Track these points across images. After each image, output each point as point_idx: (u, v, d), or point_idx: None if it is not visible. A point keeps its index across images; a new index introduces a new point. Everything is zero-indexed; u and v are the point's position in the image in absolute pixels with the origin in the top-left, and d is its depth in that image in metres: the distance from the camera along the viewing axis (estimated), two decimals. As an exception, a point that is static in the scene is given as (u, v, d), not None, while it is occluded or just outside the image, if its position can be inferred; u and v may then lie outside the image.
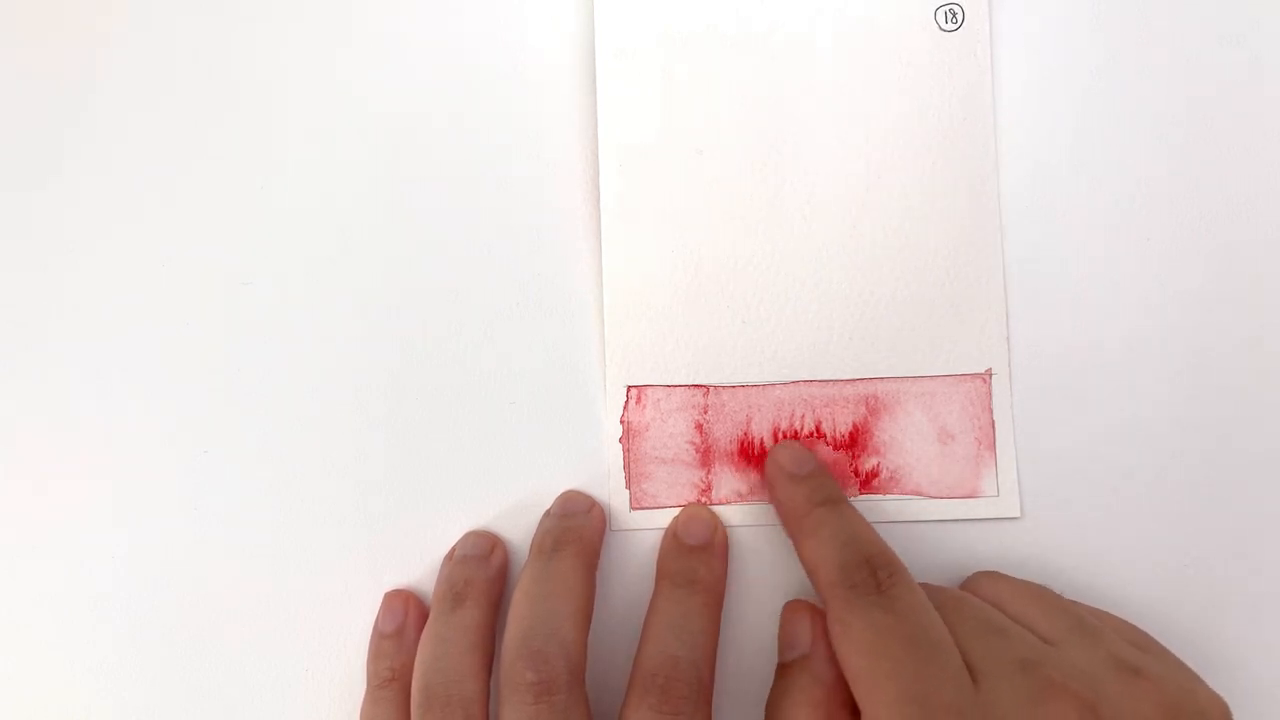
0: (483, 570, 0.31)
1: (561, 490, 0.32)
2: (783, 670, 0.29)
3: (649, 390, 0.32)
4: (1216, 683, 0.27)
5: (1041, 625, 0.27)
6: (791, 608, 0.30)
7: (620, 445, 0.32)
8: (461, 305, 0.33)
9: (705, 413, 0.32)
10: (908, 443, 0.32)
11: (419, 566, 0.32)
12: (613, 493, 0.32)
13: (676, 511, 0.32)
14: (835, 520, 0.29)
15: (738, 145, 0.33)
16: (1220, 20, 0.33)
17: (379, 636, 0.31)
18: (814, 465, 0.31)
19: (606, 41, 0.33)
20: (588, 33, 0.33)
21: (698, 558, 0.30)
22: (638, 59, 0.33)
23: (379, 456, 0.32)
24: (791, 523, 0.30)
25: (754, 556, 0.32)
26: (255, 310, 0.33)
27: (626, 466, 0.32)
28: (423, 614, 0.31)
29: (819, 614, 0.29)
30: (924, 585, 0.29)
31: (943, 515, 0.32)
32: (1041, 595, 0.29)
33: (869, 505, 0.32)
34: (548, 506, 0.32)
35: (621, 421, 0.32)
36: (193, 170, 0.34)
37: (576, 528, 0.30)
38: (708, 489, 0.32)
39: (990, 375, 0.32)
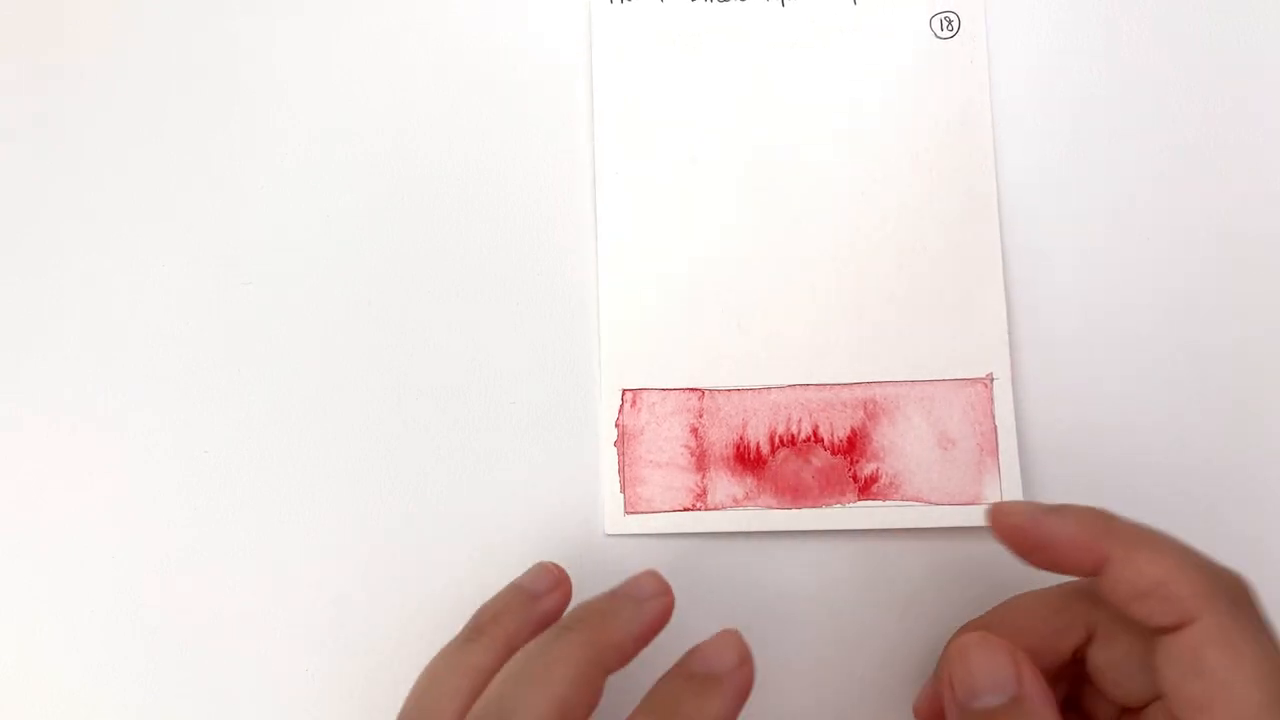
0: (523, 608, 0.27)
1: (559, 489, 0.32)
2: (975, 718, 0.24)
3: (644, 394, 0.32)
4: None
5: None
6: (978, 643, 0.25)
7: (615, 449, 0.32)
8: (459, 307, 0.33)
9: (700, 416, 0.32)
10: (907, 448, 0.32)
11: (419, 566, 0.32)
12: (607, 497, 0.32)
13: (672, 516, 0.32)
14: (1149, 528, 0.25)
15: (734, 150, 0.33)
16: (1220, 20, 0.33)
17: (514, 588, 0.28)
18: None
19: (604, 46, 0.34)
20: (585, 37, 0.34)
21: (699, 690, 0.24)
22: (635, 64, 0.34)
23: (378, 456, 0.33)
24: (1101, 540, 0.25)
25: (746, 563, 0.32)
26: (255, 310, 0.33)
27: (621, 470, 0.32)
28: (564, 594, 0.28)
29: (1020, 650, 0.24)
30: None
31: (944, 522, 0.31)
32: None
33: (867, 512, 0.32)
34: (543, 512, 0.32)
35: (616, 425, 0.32)
36: (193, 170, 0.34)
37: (610, 613, 0.26)
38: (702, 493, 0.32)
39: (992, 380, 0.32)
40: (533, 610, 0.27)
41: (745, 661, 0.25)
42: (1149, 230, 0.33)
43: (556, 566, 0.29)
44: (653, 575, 0.27)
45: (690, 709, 0.24)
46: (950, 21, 0.33)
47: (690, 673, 0.25)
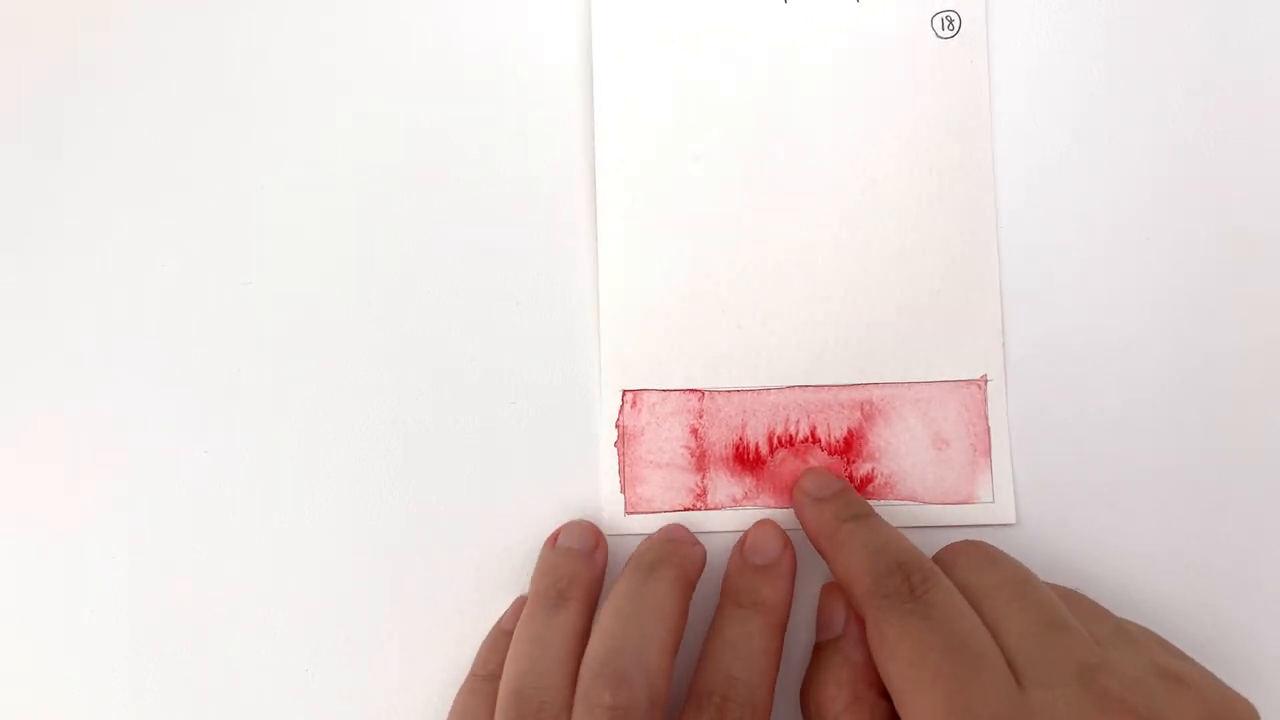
0: (587, 568, 0.30)
1: (559, 489, 0.32)
2: (817, 650, 0.29)
3: (644, 394, 0.33)
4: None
5: (1086, 626, 0.26)
6: (827, 590, 0.29)
7: (615, 449, 0.32)
8: (459, 307, 0.33)
9: (700, 417, 0.32)
10: (903, 448, 0.32)
11: (419, 566, 0.32)
12: (607, 497, 0.32)
13: (672, 516, 0.32)
14: (865, 532, 0.28)
15: (734, 150, 0.33)
16: (1220, 20, 0.33)
17: (499, 632, 0.31)
18: (839, 486, 0.31)
19: (604, 45, 0.33)
20: (586, 36, 0.34)
21: (763, 577, 0.29)
22: (635, 63, 0.33)
23: (378, 456, 0.33)
24: (822, 542, 0.29)
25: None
26: (255, 310, 0.33)
27: (621, 470, 0.32)
28: None
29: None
30: (981, 550, 0.28)
31: (938, 521, 0.32)
32: (1077, 598, 0.28)
33: (864, 510, 0.32)
34: (543, 513, 0.32)
35: (617, 425, 0.32)
36: (193, 170, 0.34)
37: (679, 552, 0.30)
38: (703, 494, 0.32)
39: (985, 381, 0.32)
40: (594, 568, 0.30)
41: (788, 544, 0.30)
42: (1147, 231, 0.33)
43: (587, 522, 0.32)
44: (683, 527, 0.31)
45: (766, 594, 0.29)
46: (951, 21, 0.33)
47: (753, 566, 0.30)
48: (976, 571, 0.27)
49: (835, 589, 0.29)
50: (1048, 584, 0.28)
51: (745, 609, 0.29)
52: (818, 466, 0.32)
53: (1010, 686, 0.24)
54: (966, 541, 0.29)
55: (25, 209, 0.34)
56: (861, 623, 0.27)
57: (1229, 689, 0.26)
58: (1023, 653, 0.25)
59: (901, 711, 0.25)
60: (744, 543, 0.31)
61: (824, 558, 0.29)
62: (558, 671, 0.27)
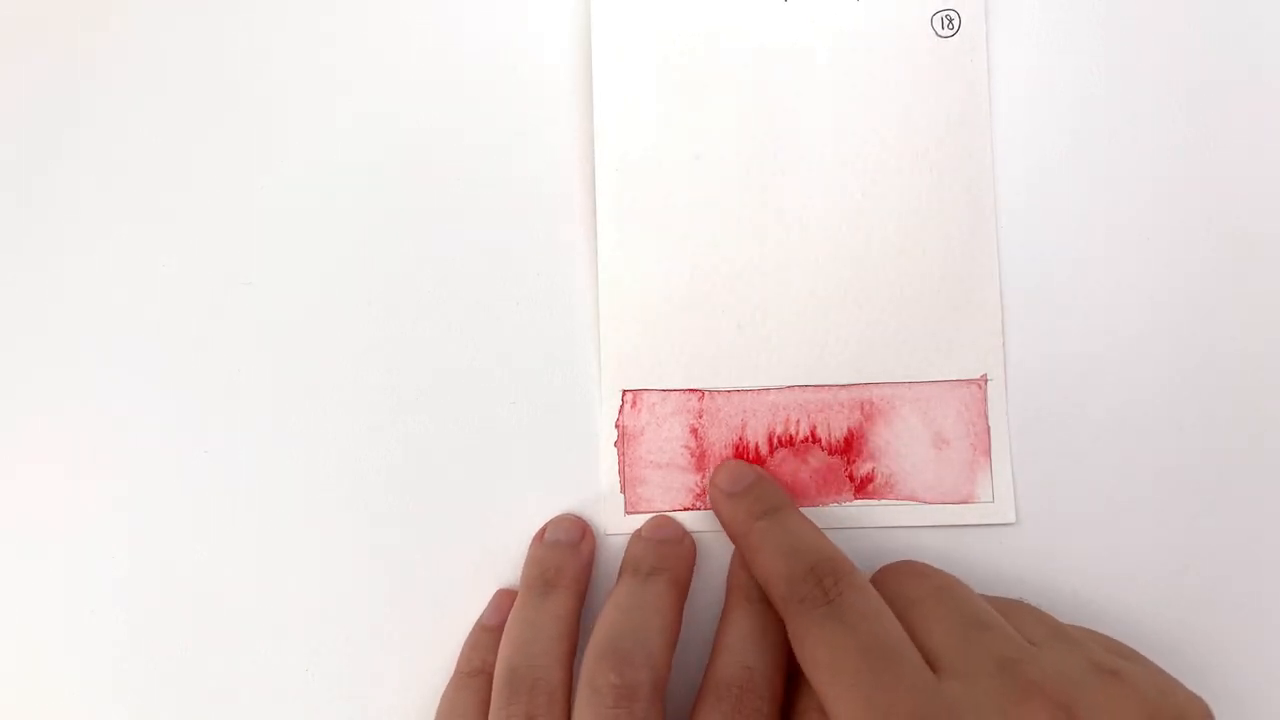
0: (574, 558, 0.31)
1: (559, 489, 0.32)
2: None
3: (644, 394, 0.33)
4: (1211, 687, 0.27)
5: (1021, 630, 0.27)
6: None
7: (615, 449, 0.32)
8: (459, 307, 0.33)
9: (700, 417, 0.32)
10: (903, 448, 0.32)
11: (419, 565, 0.32)
12: (607, 497, 0.32)
13: (672, 516, 0.32)
14: (777, 532, 0.29)
15: (734, 150, 0.33)
16: (1220, 20, 0.33)
17: (481, 629, 0.31)
18: (752, 478, 0.31)
19: (603, 45, 0.33)
20: (585, 35, 0.34)
21: None
22: (635, 62, 0.33)
23: (378, 456, 0.33)
24: (739, 541, 0.30)
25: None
26: (255, 310, 0.33)
27: (621, 470, 0.32)
28: None
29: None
30: (912, 566, 0.29)
31: (937, 521, 0.32)
32: (1019, 605, 0.29)
33: (863, 511, 0.32)
34: (543, 513, 0.32)
35: (616, 425, 0.32)
36: (193, 170, 0.34)
37: (672, 555, 0.31)
38: (702, 494, 0.32)
39: (986, 381, 0.32)
40: (580, 559, 0.31)
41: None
42: (1147, 231, 0.33)
43: (573, 515, 0.32)
44: (671, 520, 0.32)
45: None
46: (951, 20, 0.33)
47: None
48: (904, 584, 0.28)
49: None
50: (990, 596, 0.29)
51: (757, 602, 0.29)
52: (732, 460, 0.32)
53: (929, 680, 0.24)
54: (900, 561, 0.30)
55: (25, 209, 0.34)
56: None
57: (1178, 686, 0.26)
58: (944, 651, 0.25)
59: (829, 716, 0.25)
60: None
61: (743, 557, 0.30)
62: (550, 651, 0.28)
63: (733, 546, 0.31)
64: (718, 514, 0.31)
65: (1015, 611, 0.28)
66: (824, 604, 0.26)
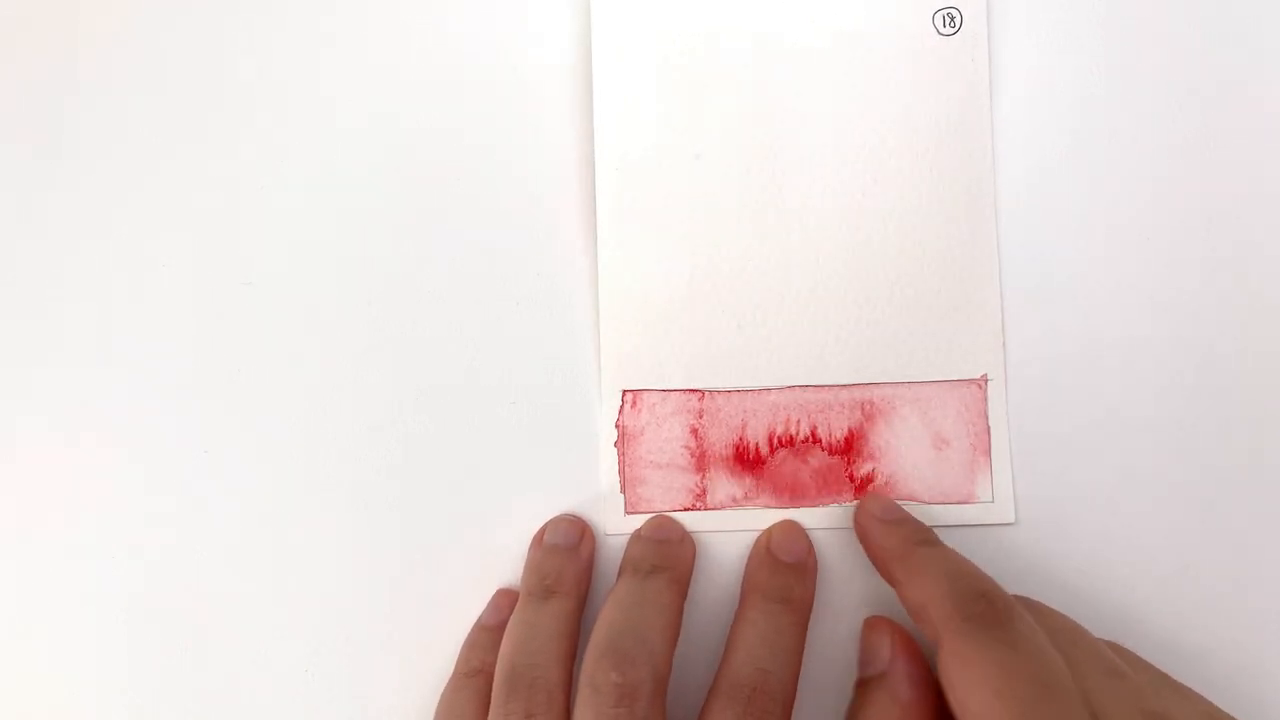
0: (573, 562, 0.31)
1: (559, 489, 0.32)
2: (861, 687, 0.29)
3: (644, 394, 0.33)
4: (1213, 689, 0.27)
5: (1077, 666, 0.26)
6: (871, 624, 0.30)
7: (615, 449, 0.32)
8: (459, 307, 0.33)
9: (700, 417, 0.32)
10: (903, 448, 0.32)
11: (419, 565, 0.32)
12: (607, 497, 0.32)
13: (672, 516, 0.32)
14: (940, 557, 0.28)
15: (734, 149, 0.33)
16: (1219, 20, 0.33)
17: (479, 628, 0.31)
18: (904, 512, 0.31)
19: (604, 44, 0.33)
20: (585, 35, 0.34)
21: (792, 575, 0.30)
22: (635, 62, 0.33)
23: (378, 456, 0.33)
24: (893, 564, 0.29)
25: (745, 562, 0.32)
26: (255, 310, 0.33)
27: (621, 470, 0.32)
28: None
29: (900, 631, 0.29)
30: (1034, 605, 0.28)
31: (937, 521, 0.32)
32: (1122, 650, 0.28)
33: (864, 510, 0.32)
34: (543, 513, 0.32)
35: (616, 425, 0.32)
36: (193, 170, 0.34)
37: (673, 554, 0.31)
38: (702, 494, 0.32)
39: (986, 381, 0.32)
40: (579, 561, 0.31)
41: (812, 544, 0.31)
42: (1147, 230, 0.33)
43: (572, 516, 0.32)
44: (671, 520, 0.32)
45: (796, 591, 0.30)
46: (953, 18, 0.33)
47: (782, 563, 0.30)
48: (1040, 621, 0.27)
49: (880, 623, 0.29)
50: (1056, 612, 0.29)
51: (775, 604, 0.29)
52: (877, 491, 0.32)
53: None
54: (1019, 597, 0.29)
55: (25, 209, 0.34)
56: (910, 658, 0.27)
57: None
58: (1092, 694, 0.24)
59: None
60: (769, 541, 0.31)
61: (890, 580, 0.29)
62: (549, 651, 0.28)
63: (741, 550, 0.31)
64: (868, 537, 0.30)
65: (1121, 654, 0.27)
66: (997, 627, 0.25)
